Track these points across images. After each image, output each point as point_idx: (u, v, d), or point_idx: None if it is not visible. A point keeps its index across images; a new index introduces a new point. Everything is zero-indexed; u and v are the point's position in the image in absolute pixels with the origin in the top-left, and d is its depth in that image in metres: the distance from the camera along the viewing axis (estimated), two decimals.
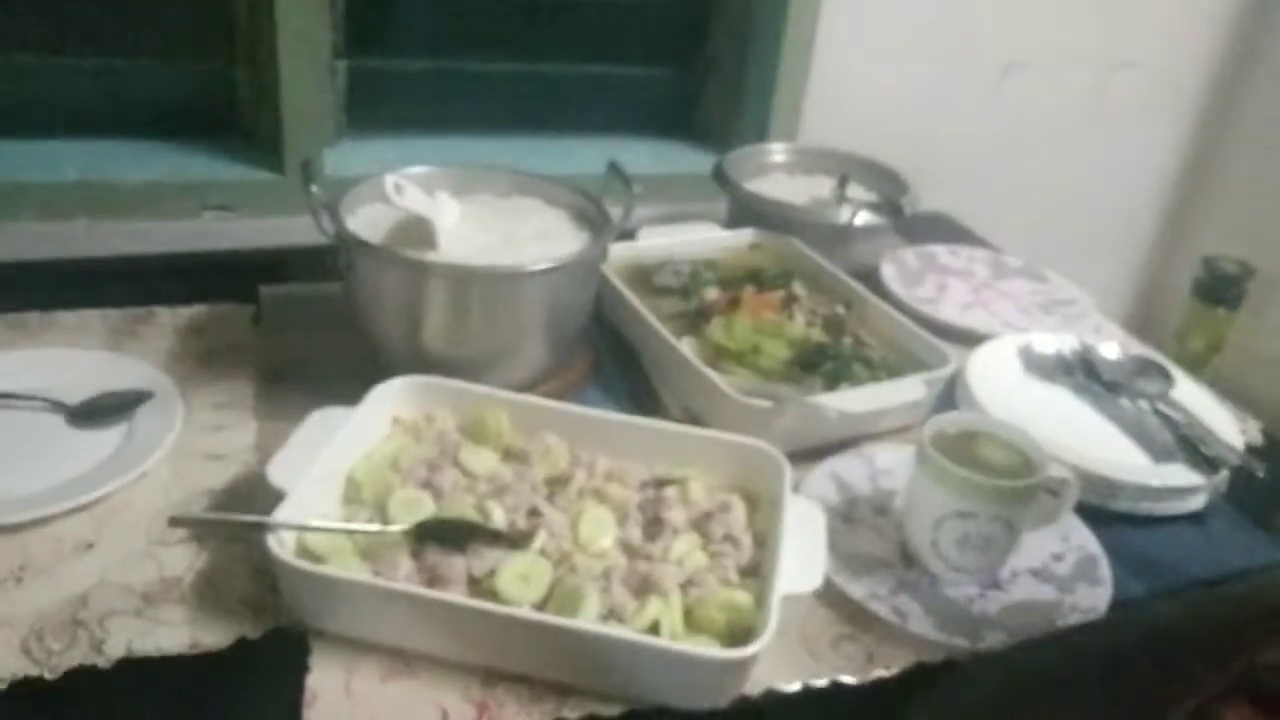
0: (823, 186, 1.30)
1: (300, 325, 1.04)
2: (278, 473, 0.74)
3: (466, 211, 0.95)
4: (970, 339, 1.11)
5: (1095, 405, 1.04)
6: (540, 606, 0.69)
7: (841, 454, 0.92)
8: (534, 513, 0.76)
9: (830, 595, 0.77)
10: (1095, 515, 0.89)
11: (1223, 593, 0.86)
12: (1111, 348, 1.08)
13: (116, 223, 1.23)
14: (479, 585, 0.70)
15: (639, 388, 1.00)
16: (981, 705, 0.77)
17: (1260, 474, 0.94)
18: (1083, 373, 1.06)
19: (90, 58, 1.27)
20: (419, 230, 0.90)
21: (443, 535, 0.72)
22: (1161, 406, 1.01)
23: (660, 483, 0.81)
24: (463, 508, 0.76)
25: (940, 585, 0.81)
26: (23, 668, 0.65)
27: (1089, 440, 0.97)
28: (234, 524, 0.74)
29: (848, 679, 0.72)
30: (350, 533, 0.72)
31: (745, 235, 1.21)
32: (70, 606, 0.70)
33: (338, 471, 0.78)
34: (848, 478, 0.90)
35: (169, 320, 1.04)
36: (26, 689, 0.64)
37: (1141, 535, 0.90)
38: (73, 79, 1.28)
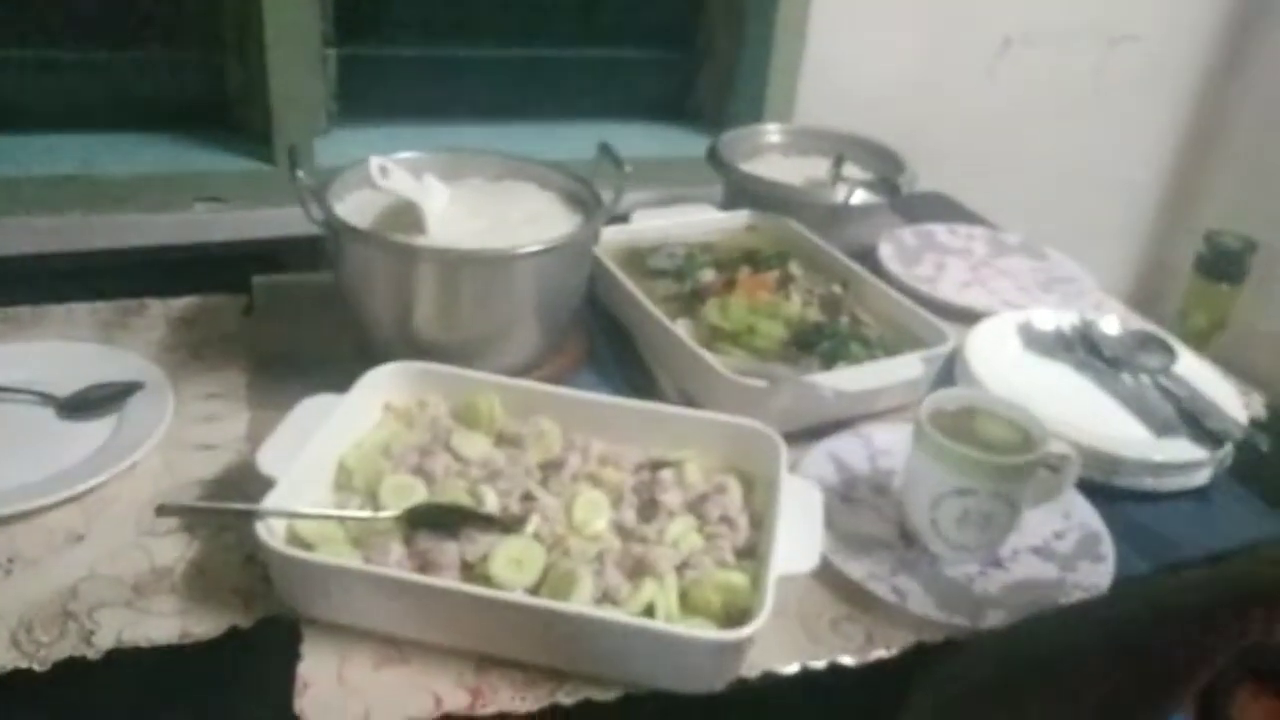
0: (819, 167, 1.29)
1: (293, 314, 1.03)
2: (267, 460, 0.73)
3: (456, 196, 0.94)
4: (969, 317, 1.09)
5: (1096, 381, 1.03)
6: (534, 591, 0.68)
7: (839, 434, 0.91)
8: (527, 497, 0.75)
9: (829, 576, 0.76)
10: (1097, 492, 0.88)
11: (1227, 568, 0.85)
12: (1112, 323, 1.07)
13: (108, 216, 1.22)
14: (472, 570, 0.70)
15: (634, 372, 0.99)
16: (983, 685, 0.76)
17: (1264, 448, 0.93)
18: (1083, 348, 1.05)
19: (80, 51, 1.27)
20: (408, 215, 0.89)
21: (434, 520, 0.71)
22: (1163, 381, 0.99)
23: (655, 465, 0.80)
24: (455, 493, 0.75)
25: (940, 564, 0.80)
26: (12, 660, 0.64)
27: (1090, 416, 0.96)
28: (222, 512, 0.74)
29: (847, 660, 0.71)
30: (341, 519, 0.72)
31: (741, 217, 1.20)
32: (60, 598, 0.69)
33: (328, 459, 0.77)
34: (846, 458, 0.89)
35: (160, 312, 1.03)
36: (17, 681, 0.63)
37: (1144, 511, 0.89)
38: (63, 73, 1.27)
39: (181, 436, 0.85)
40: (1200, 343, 1.63)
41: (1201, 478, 0.92)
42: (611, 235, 1.09)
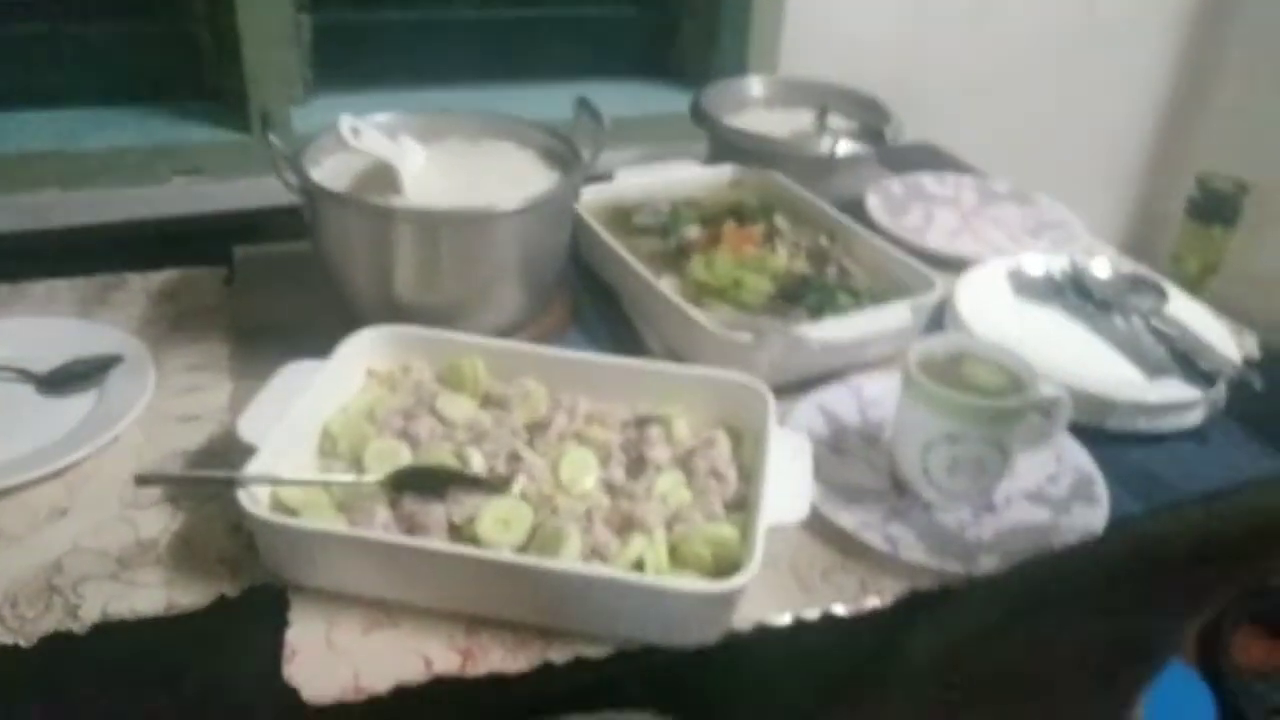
0: (804, 119, 1.28)
1: (275, 284, 1.02)
2: (248, 428, 0.72)
3: (433, 156, 0.93)
4: (959, 266, 1.08)
5: (1088, 324, 1.02)
6: (522, 550, 0.68)
7: (829, 385, 0.90)
8: (514, 457, 0.74)
9: (820, 527, 0.76)
10: (1091, 435, 0.87)
11: (1222, 507, 0.85)
12: (1102, 265, 1.06)
13: (84, 192, 1.20)
14: (459, 532, 0.69)
15: (621, 331, 0.98)
16: (979, 629, 0.76)
17: (1258, 386, 0.92)
18: (1074, 292, 1.04)
19: (50, 25, 1.24)
20: (385, 178, 0.88)
21: (420, 483, 0.71)
22: (1155, 322, 0.99)
23: (643, 422, 0.79)
24: (441, 456, 0.74)
25: (933, 512, 0.79)
26: None
27: (1082, 360, 0.95)
28: (203, 480, 0.73)
29: (840, 609, 0.71)
30: (325, 485, 0.71)
31: (725, 172, 1.18)
32: (44, 573, 0.68)
33: (311, 425, 0.76)
34: (835, 409, 0.88)
35: (140, 286, 1.02)
36: (2, 657, 0.63)
37: (1139, 453, 0.88)
38: (34, 49, 1.25)
39: (163, 409, 0.84)
40: (1194, 287, 1.62)
41: (1195, 418, 0.92)
42: (594, 194, 1.08)
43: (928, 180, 1.33)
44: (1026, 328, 0.98)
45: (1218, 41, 1.81)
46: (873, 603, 0.72)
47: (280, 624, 0.66)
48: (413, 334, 0.84)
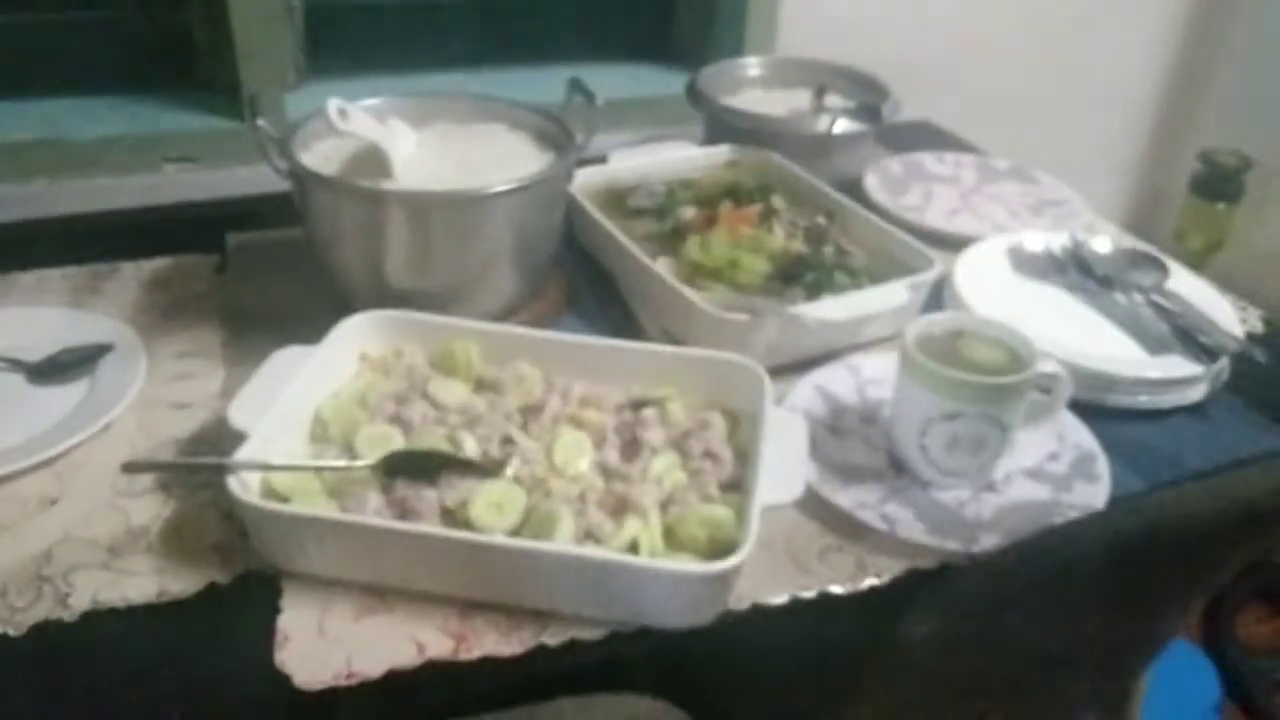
0: (801, 99, 1.26)
1: (267, 271, 1.01)
2: (239, 414, 0.71)
3: (424, 139, 0.92)
4: (959, 244, 1.07)
5: (1088, 301, 1.00)
6: (515, 533, 0.67)
7: (826, 365, 0.90)
8: (507, 441, 0.74)
9: (817, 507, 0.75)
10: (1092, 412, 0.86)
11: (1226, 484, 0.84)
12: (1103, 242, 1.05)
13: (77, 181, 1.20)
14: (452, 516, 0.68)
15: (617, 314, 0.97)
16: (978, 608, 0.75)
17: (1261, 359, 0.91)
18: (1075, 269, 1.03)
19: (40, 13, 1.24)
20: (375, 162, 0.87)
21: (412, 468, 0.70)
22: (1157, 298, 0.97)
23: (637, 404, 0.79)
24: (434, 440, 0.74)
25: (931, 491, 0.78)
26: None
27: (1083, 337, 0.94)
28: (192, 467, 0.72)
29: (837, 589, 0.70)
30: (316, 470, 0.70)
31: (722, 152, 1.17)
32: (34, 563, 0.68)
33: (303, 411, 0.75)
34: (833, 389, 0.87)
35: (132, 274, 1.01)
36: None
37: (1140, 429, 0.87)
38: (23, 37, 1.24)
39: (155, 396, 0.84)
40: (1198, 264, 1.60)
41: (1198, 393, 0.91)
42: (589, 176, 1.07)
43: (927, 159, 1.32)
44: (1027, 305, 0.97)
45: (1222, 15, 1.78)
46: (870, 582, 0.71)
47: (272, 610, 0.65)
48: (405, 319, 0.83)
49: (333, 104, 0.83)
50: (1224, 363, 0.92)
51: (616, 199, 1.08)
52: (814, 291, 0.92)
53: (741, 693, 0.70)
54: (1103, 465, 0.81)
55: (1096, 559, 0.77)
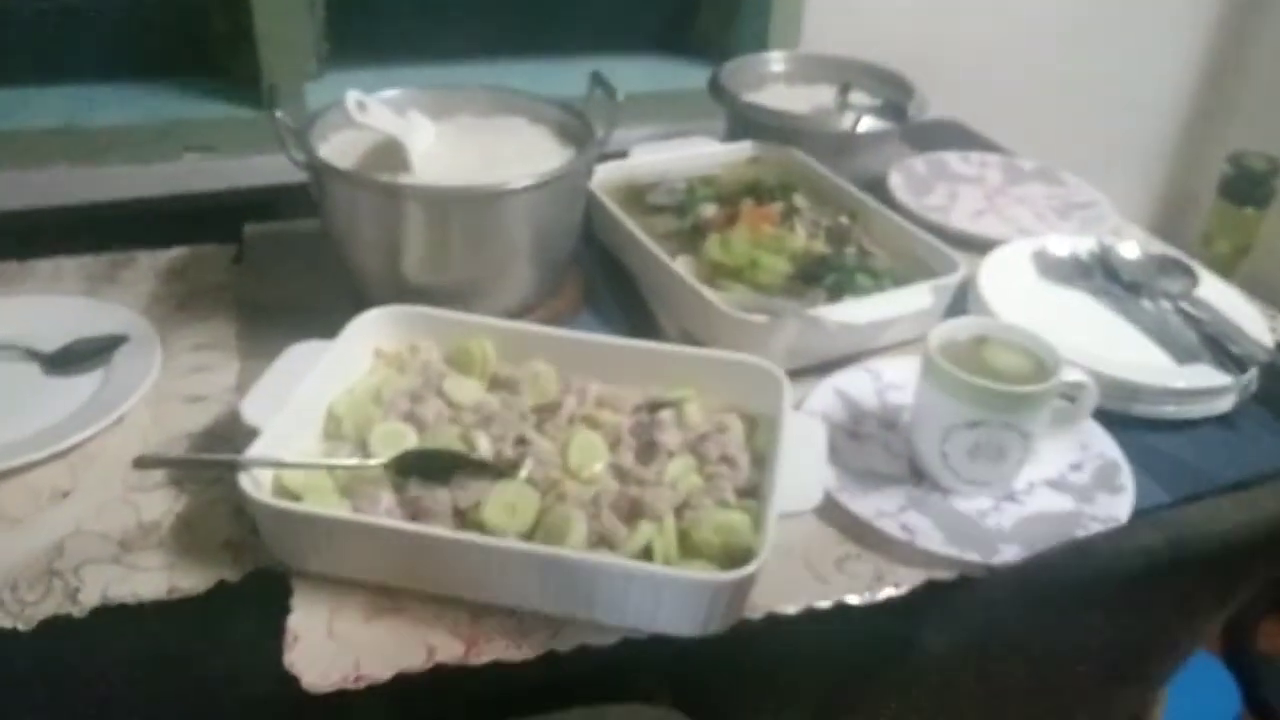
0: (825, 96, 1.24)
1: (285, 262, 1.00)
2: (252, 409, 0.71)
3: (443, 132, 0.91)
4: (983, 247, 1.05)
5: (1115, 308, 0.99)
6: (528, 536, 0.66)
7: (847, 369, 0.88)
8: (521, 441, 0.73)
9: (835, 515, 0.74)
10: (1117, 422, 0.85)
11: (1253, 497, 0.82)
12: (1131, 247, 1.03)
13: (95, 169, 1.19)
14: (464, 517, 0.67)
15: (635, 313, 0.96)
16: (997, 619, 0.74)
17: None
18: (1101, 274, 1.01)
19: (61, 1, 1.23)
20: (394, 155, 0.86)
21: (425, 467, 0.69)
22: (1185, 306, 0.95)
23: (654, 406, 0.78)
24: (447, 439, 0.73)
25: (951, 500, 0.77)
26: None
27: (1108, 344, 0.92)
28: (204, 463, 0.72)
29: (853, 599, 0.69)
30: (329, 468, 0.70)
31: (744, 149, 1.15)
32: (45, 556, 0.68)
33: (317, 407, 0.75)
34: (853, 393, 0.86)
35: (149, 264, 1.01)
36: (3, 641, 0.62)
37: (1167, 440, 0.86)
38: (45, 25, 1.24)
39: (170, 389, 0.83)
40: (1225, 269, 1.58)
41: (1225, 404, 0.89)
42: (609, 172, 1.06)
43: (952, 158, 1.30)
44: (1051, 310, 0.96)
45: (1253, 16, 1.75)
46: (888, 593, 0.70)
47: (282, 610, 0.65)
48: (421, 314, 0.82)
49: (351, 96, 0.82)
50: (1253, 373, 0.90)
51: (636, 195, 1.07)
52: (835, 293, 0.91)
53: (755, 704, 0.69)
54: (1127, 476, 0.80)
55: (1119, 573, 0.75)
